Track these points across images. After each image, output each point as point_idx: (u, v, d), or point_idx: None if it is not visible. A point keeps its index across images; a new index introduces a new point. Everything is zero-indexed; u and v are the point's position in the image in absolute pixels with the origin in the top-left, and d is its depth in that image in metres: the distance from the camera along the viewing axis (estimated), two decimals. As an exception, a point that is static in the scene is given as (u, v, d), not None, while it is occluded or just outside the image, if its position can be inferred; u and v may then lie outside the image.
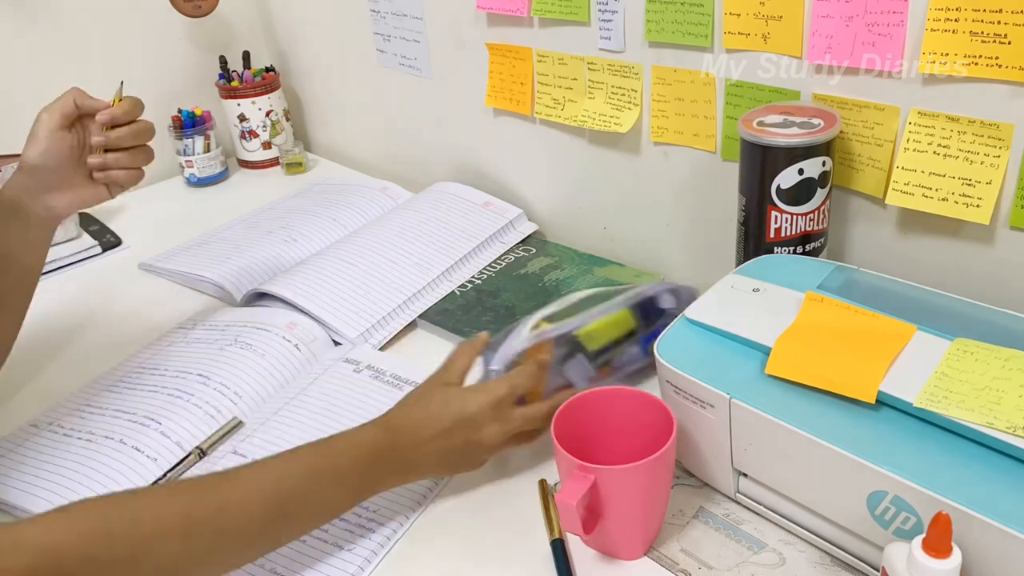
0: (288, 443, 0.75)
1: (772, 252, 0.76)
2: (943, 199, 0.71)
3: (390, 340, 0.92)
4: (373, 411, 0.79)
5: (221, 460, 0.75)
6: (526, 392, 0.68)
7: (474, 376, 0.72)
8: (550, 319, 0.77)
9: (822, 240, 0.77)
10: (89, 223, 1.25)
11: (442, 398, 0.66)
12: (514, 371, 0.68)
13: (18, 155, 1.15)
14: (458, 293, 0.98)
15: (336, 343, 0.91)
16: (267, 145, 1.41)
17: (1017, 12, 0.63)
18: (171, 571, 0.53)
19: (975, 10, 0.64)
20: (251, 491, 0.56)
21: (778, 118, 0.74)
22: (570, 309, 0.78)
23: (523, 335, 0.73)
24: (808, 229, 0.75)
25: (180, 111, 1.35)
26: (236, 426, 0.79)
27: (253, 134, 1.40)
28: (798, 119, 0.73)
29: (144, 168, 0.82)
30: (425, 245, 1.03)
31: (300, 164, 1.40)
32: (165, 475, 0.73)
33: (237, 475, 0.57)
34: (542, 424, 0.67)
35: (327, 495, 0.60)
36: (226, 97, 1.38)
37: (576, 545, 0.65)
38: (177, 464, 0.74)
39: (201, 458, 0.75)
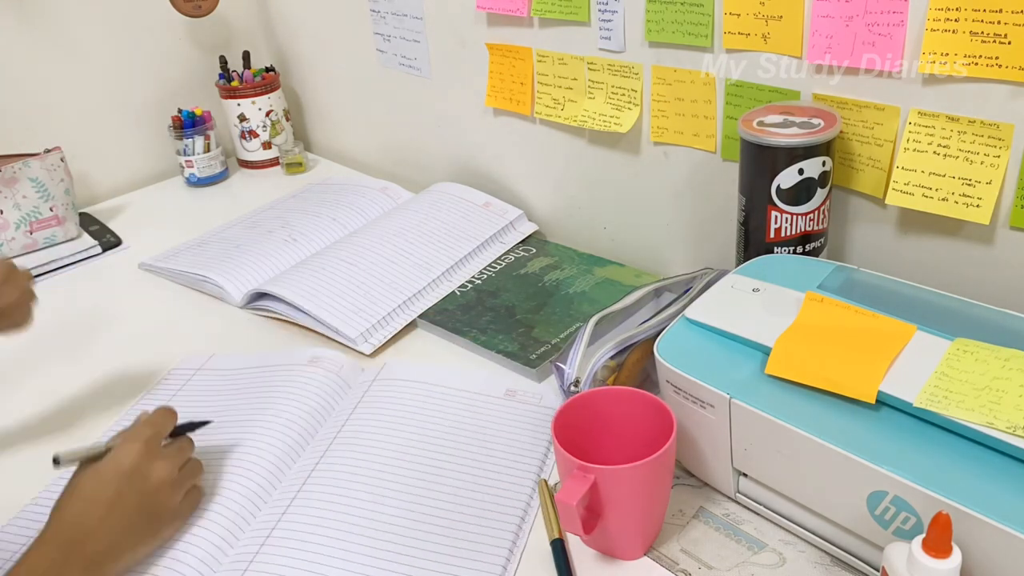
0: (355, 475, 0.71)
1: (772, 252, 0.76)
2: (943, 199, 0.71)
3: (390, 340, 0.92)
4: (426, 419, 0.78)
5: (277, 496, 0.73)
6: (165, 429, 0.66)
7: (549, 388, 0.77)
8: (610, 319, 0.79)
9: (822, 240, 0.77)
10: (89, 223, 1.25)
11: (93, 476, 0.61)
12: (148, 414, 0.67)
13: (18, 155, 1.16)
14: (458, 293, 0.98)
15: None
16: (267, 145, 1.41)
17: (1017, 12, 0.63)
18: None
19: (975, 10, 0.64)
20: None
21: (778, 118, 0.74)
22: (631, 308, 0.81)
23: (601, 343, 0.74)
24: (808, 229, 0.75)
25: (180, 111, 1.35)
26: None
27: (253, 134, 1.40)
28: (798, 119, 0.73)
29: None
30: (425, 245, 1.03)
31: (300, 164, 1.40)
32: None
33: None
34: (191, 449, 0.67)
35: None
36: (226, 97, 1.38)
37: (576, 545, 0.65)
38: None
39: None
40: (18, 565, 0.56)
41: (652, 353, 0.66)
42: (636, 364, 0.75)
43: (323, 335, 0.93)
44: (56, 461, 0.61)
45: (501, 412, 0.79)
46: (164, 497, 0.63)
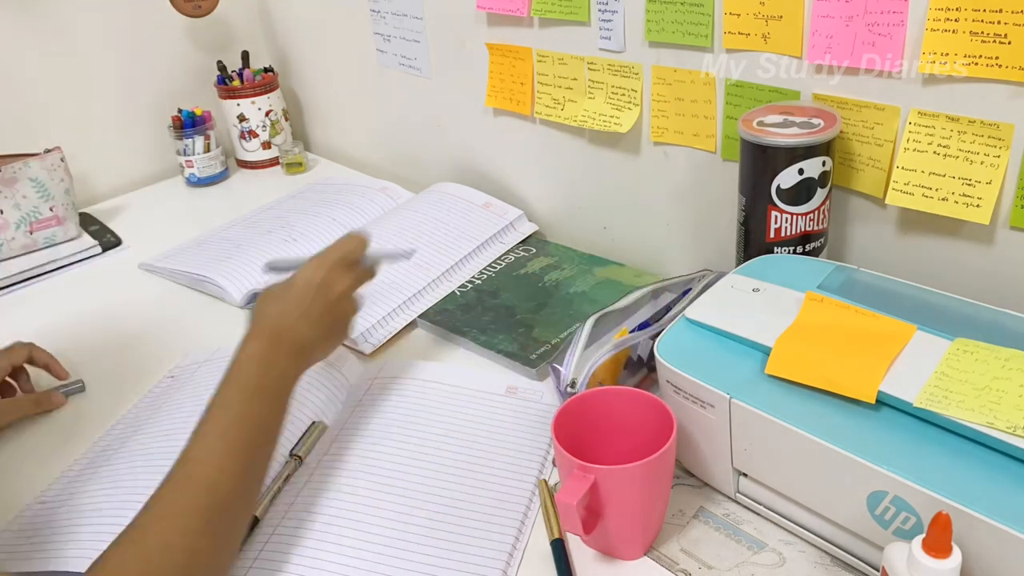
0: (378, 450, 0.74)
1: (772, 252, 0.76)
2: (943, 199, 0.71)
3: (390, 340, 0.92)
4: (426, 418, 0.78)
5: (316, 469, 0.73)
6: (354, 254, 0.76)
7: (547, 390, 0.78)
8: (609, 319, 0.79)
9: (822, 240, 0.77)
10: (89, 223, 1.25)
11: (288, 286, 0.73)
12: (339, 240, 0.77)
13: (18, 155, 1.16)
14: (458, 293, 0.98)
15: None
16: (267, 145, 1.41)
17: (1017, 12, 0.63)
18: (216, 562, 0.58)
19: (975, 10, 0.64)
20: (216, 461, 0.60)
21: (778, 118, 0.74)
22: (630, 308, 0.80)
23: (600, 344, 0.74)
24: (808, 229, 0.75)
25: (180, 111, 1.35)
26: (322, 430, 0.77)
27: (253, 134, 1.40)
28: (798, 119, 0.73)
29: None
30: (425, 245, 1.03)
31: (300, 164, 1.40)
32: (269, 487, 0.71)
33: (196, 456, 0.61)
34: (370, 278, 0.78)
35: (261, 416, 0.65)
36: (225, 97, 1.38)
37: (576, 545, 0.65)
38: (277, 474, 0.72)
39: (299, 466, 0.73)
40: (239, 352, 0.66)
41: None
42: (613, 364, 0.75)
43: (323, 335, 0.93)
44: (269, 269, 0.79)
45: (502, 410, 0.79)
46: (344, 305, 0.74)
